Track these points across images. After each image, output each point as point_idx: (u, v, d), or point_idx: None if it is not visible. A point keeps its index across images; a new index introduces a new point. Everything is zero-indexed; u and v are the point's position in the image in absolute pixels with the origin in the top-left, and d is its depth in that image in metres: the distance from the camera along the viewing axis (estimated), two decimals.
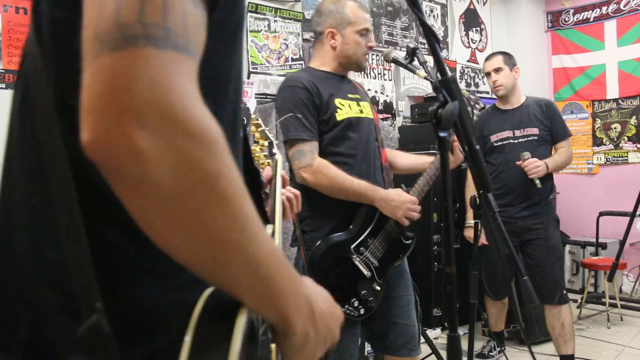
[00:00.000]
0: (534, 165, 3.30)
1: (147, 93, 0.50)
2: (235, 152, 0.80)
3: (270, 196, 1.19)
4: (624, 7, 5.80)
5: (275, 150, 1.45)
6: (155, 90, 0.50)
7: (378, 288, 2.20)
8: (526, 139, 3.46)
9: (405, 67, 2.17)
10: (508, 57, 3.57)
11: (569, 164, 3.55)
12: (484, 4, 5.92)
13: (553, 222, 3.47)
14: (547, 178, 3.46)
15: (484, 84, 5.82)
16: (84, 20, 0.54)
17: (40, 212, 0.66)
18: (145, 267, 0.64)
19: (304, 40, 4.22)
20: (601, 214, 5.47)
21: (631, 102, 5.84)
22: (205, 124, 0.53)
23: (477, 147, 1.19)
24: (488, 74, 3.59)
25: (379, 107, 4.71)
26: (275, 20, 4.06)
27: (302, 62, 4.19)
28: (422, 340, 3.69)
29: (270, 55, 4.02)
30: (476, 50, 5.78)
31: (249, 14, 3.90)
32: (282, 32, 4.10)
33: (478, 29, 5.83)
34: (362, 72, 4.54)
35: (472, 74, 5.72)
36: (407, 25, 5.01)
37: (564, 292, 3.39)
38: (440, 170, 2.15)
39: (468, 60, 5.69)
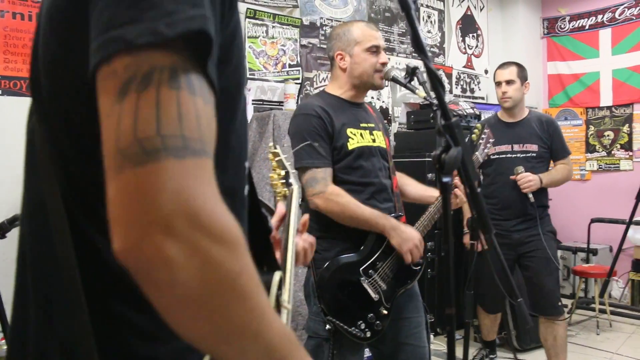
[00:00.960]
0: (526, 180, 3.33)
1: (172, 205, 0.53)
2: (241, 209, 0.83)
3: (283, 234, 1.19)
4: (619, 16, 5.84)
5: (292, 180, 1.43)
6: (179, 200, 0.54)
7: (385, 312, 2.19)
8: (524, 154, 3.45)
9: (405, 86, 2.19)
10: (521, 70, 3.54)
11: (567, 180, 3.54)
12: (481, 10, 5.94)
13: (549, 235, 3.48)
14: (542, 193, 3.48)
15: (480, 89, 5.85)
16: (103, 133, 0.56)
17: (47, 281, 0.71)
18: (149, 332, 0.69)
19: (302, 46, 4.22)
20: (593, 220, 5.53)
21: (624, 110, 5.89)
22: (227, 226, 0.57)
23: (479, 189, 1.20)
24: (499, 83, 3.55)
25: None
26: (273, 26, 4.06)
27: (300, 68, 4.20)
28: None
29: (267, 61, 4.02)
30: (472, 56, 5.80)
31: (247, 19, 3.91)
32: (280, 38, 4.10)
33: (475, 35, 5.85)
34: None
35: (468, 80, 5.75)
36: (404, 31, 5.02)
37: (560, 304, 3.42)
38: (442, 212, 2.21)
39: (464, 66, 5.71)
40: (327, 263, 2.16)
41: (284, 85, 3.88)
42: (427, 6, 5.32)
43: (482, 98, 5.89)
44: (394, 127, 4.90)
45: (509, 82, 3.49)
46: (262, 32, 4.00)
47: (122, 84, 0.55)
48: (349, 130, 2.22)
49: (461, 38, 5.68)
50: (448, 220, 1.16)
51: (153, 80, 0.56)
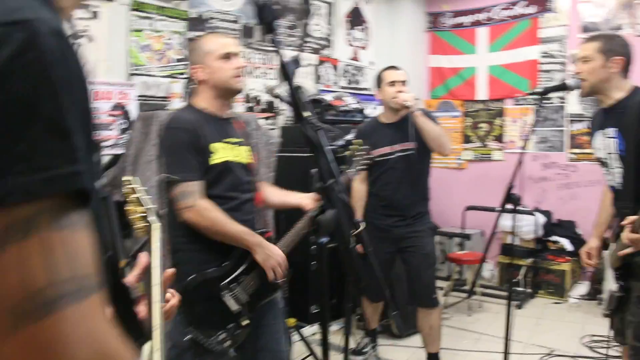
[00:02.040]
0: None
1: (86, 353, 0.53)
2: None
3: (146, 286, 1.19)
4: (495, 16, 6.19)
5: (152, 218, 1.39)
6: (92, 347, 0.53)
7: (246, 322, 2.31)
8: (404, 153, 3.55)
9: (288, 104, 2.24)
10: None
11: (438, 137, 3.49)
12: (367, 2, 6.07)
13: (428, 231, 3.68)
14: (424, 185, 3.67)
15: (365, 81, 6.01)
16: None
17: None
18: None
19: (189, 40, 4.15)
20: (467, 208, 5.92)
21: (497, 105, 6.30)
22: (127, 355, 0.58)
23: (353, 245, 1.29)
24: (392, 83, 3.56)
25: (262, 107, 4.75)
26: (158, 19, 3.95)
27: (187, 63, 4.12)
28: (299, 338, 3.91)
29: (152, 55, 3.92)
30: (359, 48, 5.94)
31: (131, 12, 3.78)
32: (166, 32, 4.00)
33: (362, 27, 5.98)
34: (246, 73, 4.58)
35: (354, 72, 5.88)
36: (293, 24, 5.05)
37: (435, 296, 3.65)
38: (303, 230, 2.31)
39: (350, 58, 5.83)
40: (192, 276, 2.24)
41: (170, 85, 3.82)
42: None
43: (367, 89, 6.05)
44: (280, 120, 4.94)
45: (403, 83, 3.56)
46: (147, 25, 3.89)
47: None
48: (213, 145, 2.28)
49: (348, 31, 5.79)
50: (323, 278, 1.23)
51: (32, 227, 0.53)
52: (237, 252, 2.30)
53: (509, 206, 2.86)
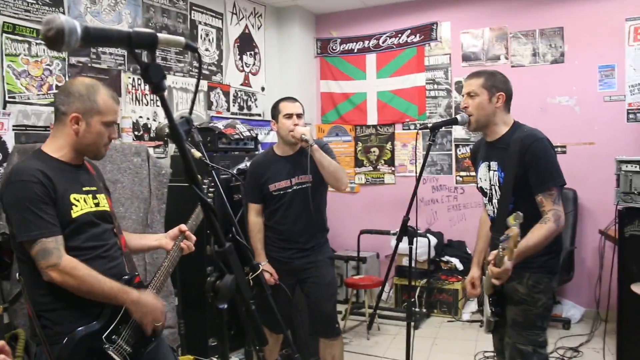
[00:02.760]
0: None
1: None
2: None
3: None
4: (383, 43, 6.37)
5: None
6: None
7: None
8: (300, 186, 3.50)
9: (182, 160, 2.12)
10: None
11: (337, 169, 3.46)
12: (259, 28, 6.04)
13: (327, 261, 3.63)
14: (322, 223, 3.63)
15: (257, 106, 5.95)
16: None
17: None
18: None
19: (70, 65, 3.89)
20: (362, 232, 5.98)
21: (387, 129, 6.45)
22: None
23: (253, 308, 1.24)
24: (289, 116, 3.48)
25: (151, 135, 4.55)
26: (37, 43, 3.68)
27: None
28: None
29: (30, 82, 3.63)
30: (250, 74, 5.88)
31: (4, 34, 3.48)
32: (45, 57, 3.73)
33: (252, 53, 5.93)
34: (134, 101, 4.39)
35: (245, 97, 5.81)
36: (181, 50, 4.90)
37: (337, 325, 3.61)
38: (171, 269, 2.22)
39: (242, 84, 5.75)
40: (66, 339, 2.03)
41: (51, 114, 3.55)
42: (206, 24, 5.26)
43: (259, 115, 6.00)
44: (171, 149, 4.76)
45: (299, 116, 3.50)
46: (24, 50, 3.60)
47: None
48: (72, 197, 2.11)
49: (239, 56, 5.72)
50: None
51: None
52: (111, 305, 2.14)
53: (405, 238, 2.88)
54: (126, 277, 2.23)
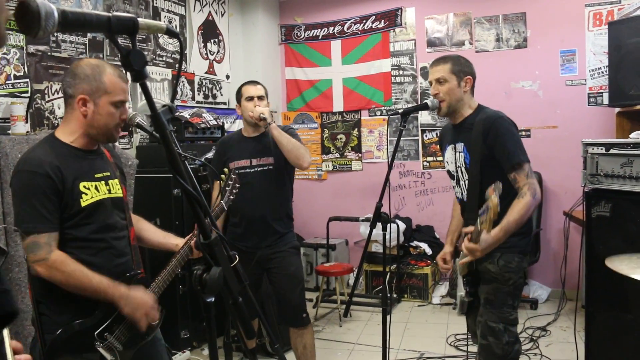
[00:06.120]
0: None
1: None
2: None
3: None
4: (347, 30, 6.34)
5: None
6: None
7: None
8: (262, 168, 3.49)
9: (151, 134, 2.05)
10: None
11: (297, 146, 3.40)
12: (222, 15, 5.94)
13: (291, 250, 3.60)
14: (287, 204, 3.60)
15: (222, 94, 5.87)
16: None
17: None
18: None
19: (29, 54, 3.75)
20: (330, 219, 5.97)
21: (354, 116, 6.45)
22: None
23: (240, 300, 1.22)
24: (250, 98, 3.49)
25: None
26: None
27: (28, 80, 3.73)
28: None
29: None
30: (214, 61, 5.78)
31: None
32: None
33: (216, 40, 5.84)
34: None
35: (210, 86, 5.72)
36: (143, 37, 4.79)
37: (305, 315, 3.59)
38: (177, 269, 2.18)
39: (206, 72, 5.66)
40: (59, 332, 2.01)
41: (10, 105, 3.41)
42: (169, 11, 5.14)
43: (225, 103, 5.92)
44: (136, 140, 4.66)
45: (260, 98, 3.49)
46: None
47: None
48: (82, 185, 2.07)
49: (203, 44, 5.62)
50: None
51: None
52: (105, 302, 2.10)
53: (379, 224, 2.87)
54: (130, 274, 2.19)
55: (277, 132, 3.36)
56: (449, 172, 3.00)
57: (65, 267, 1.97)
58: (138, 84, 1.15)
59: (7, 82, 3.61)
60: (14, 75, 3.66)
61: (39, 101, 3.83)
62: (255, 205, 3.46)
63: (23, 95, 3.70)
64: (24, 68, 3.72)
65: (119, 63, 1.06)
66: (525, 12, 5.61)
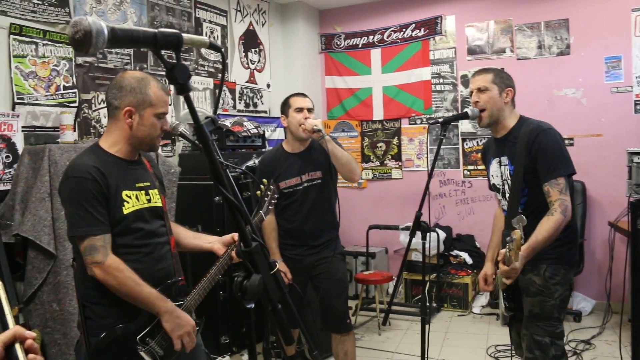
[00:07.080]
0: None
1: None
2: None
3: None
4: (387, 38, 6.35)
5: None
6: None
7: None
8: (310, 183, 3.51)
9: (194, 143, 2.11)
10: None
11: (350, 160, 3.40)
12: (263, 25, 6.03)
13: (338, 257, 3.62)
14: (333, 219, 3.62)
15: (262, 103, 5.95)
16: None
17: None
18: None
19: (77, 65, 3.88)
20: (370, 227, 5.97)
21: (393, 124, 6.44)
22: None
23: (280, 306, 1.24)
24: (300, 110, 3.47)
25: None
26: (44, 44, 3.67)
27: (76, 90, 3.86)
28: None
29: (38, 83, 3.63)
30: (255, 70, 5.87)
31: (12, 36, 3.48)
32: (52, 57, 3.73)
33: (257, 49, 5.92)
34: None
35: (251, 94, 5.80)
36: (186, 48, 4.89)
37: (348, 321, 3.60)
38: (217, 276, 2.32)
39: (247, 81, 5.75)
40: (103, 335, 2.07)
41: (59, 115, 3.54)
42: (210, 22, 5.25)
43: (265, 112, 6.00)
44: (178, 148, 4.76)
45: (310, 110, 3.48)
46: (31, 51, 3.59)
47: None
48: (124, 193, 2.14)
49: (244, 53, 5.71)
50: None
51: None
52: None
53: (419, 232, 2.87)
54: (171, 280, 2.25)
55: (332, 145, 3.34)
56: (494, 185, 2.98)
57: (120, 273, 2.04)
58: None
59: (57, 92, 3.75)
60: (64, 86, 3.79)
61: (86, 110, 3.96)
62: (305, 218, 3.50)
63: (71, 105, 3.83)
64: (72, 79, 3.86)
65: (163, 73, 1.10)
66: (568, 18, 5.52)
